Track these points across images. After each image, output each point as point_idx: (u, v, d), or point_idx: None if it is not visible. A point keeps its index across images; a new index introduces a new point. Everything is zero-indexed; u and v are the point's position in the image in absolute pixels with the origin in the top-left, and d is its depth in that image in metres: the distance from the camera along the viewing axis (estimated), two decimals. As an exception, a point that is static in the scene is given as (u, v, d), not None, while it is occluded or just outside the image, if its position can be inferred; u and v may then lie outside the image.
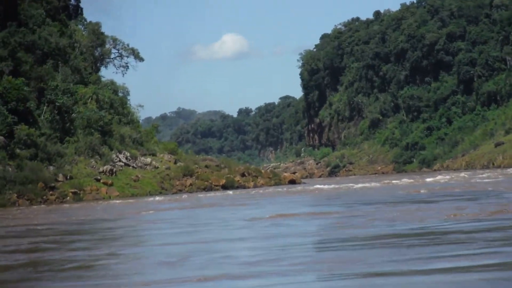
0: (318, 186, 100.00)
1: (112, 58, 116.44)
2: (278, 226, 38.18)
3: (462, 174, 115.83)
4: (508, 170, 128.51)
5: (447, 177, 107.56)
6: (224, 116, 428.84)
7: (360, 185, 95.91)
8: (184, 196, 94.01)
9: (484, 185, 70.75)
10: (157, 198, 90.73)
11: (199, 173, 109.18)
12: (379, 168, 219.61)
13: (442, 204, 47.16)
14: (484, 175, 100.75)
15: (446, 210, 39.36)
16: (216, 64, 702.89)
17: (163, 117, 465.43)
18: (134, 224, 49.31)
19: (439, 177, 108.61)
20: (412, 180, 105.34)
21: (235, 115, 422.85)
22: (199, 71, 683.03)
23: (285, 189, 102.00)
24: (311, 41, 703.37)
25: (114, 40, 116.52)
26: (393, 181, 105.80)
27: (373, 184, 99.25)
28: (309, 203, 65.00)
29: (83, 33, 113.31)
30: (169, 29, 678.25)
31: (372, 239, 28.00)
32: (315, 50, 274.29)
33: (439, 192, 63.97)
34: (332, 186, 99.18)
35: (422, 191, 68.38)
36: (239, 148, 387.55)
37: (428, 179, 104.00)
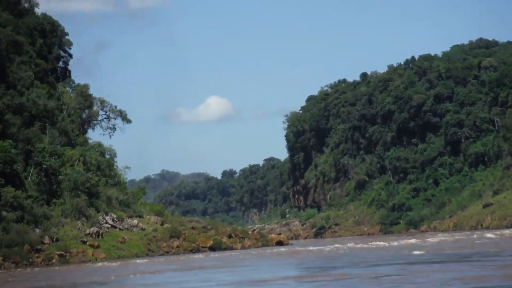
0: (326, 247, 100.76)
1: (100, 120, 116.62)
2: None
3: (456, 235, 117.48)
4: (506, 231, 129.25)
5: (450, 237, 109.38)
6: (208, 178, 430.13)
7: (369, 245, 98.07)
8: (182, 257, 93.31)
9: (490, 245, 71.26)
10: (147, 260, 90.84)
11: (186, 234, 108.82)
12: (365, 229, 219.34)
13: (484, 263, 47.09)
14: (476, 236, 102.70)
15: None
16: (200, 126, 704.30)
17: (147, 179, 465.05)
18: None
19: (440, 237, 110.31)
20: (418, 240, 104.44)
21: (219, 177, 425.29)
22: (183, 133, 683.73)
23: (282, 249, 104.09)
24: (295, 103, 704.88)
25: (102, 102, 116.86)
26: (402, 241, 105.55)
27: (381, 243, 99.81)
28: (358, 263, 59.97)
29: (71, 95, 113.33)
30: (153, 91, 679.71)
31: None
32: (300, 111, 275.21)
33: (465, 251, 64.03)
34: (334, 246, 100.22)
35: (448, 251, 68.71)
36: (223, 210, 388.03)
37: (432, 239, 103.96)
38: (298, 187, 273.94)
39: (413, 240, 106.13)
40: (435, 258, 58.15)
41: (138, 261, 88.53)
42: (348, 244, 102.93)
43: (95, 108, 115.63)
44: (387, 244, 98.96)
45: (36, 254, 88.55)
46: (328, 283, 40.11)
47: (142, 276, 56.31)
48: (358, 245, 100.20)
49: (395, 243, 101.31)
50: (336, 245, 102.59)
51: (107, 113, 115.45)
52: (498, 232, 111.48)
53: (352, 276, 43.23)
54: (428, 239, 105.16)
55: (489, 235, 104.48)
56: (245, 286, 43.06)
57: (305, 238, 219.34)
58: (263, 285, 42.67)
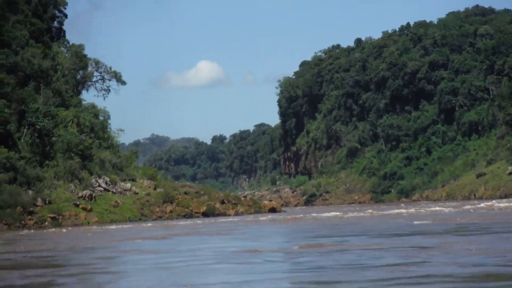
0: (322, 214, 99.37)
1: (94, 81, 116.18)
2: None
3: (462, 205, 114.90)
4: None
5: (445, 207, 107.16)
6: (197, 143, 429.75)
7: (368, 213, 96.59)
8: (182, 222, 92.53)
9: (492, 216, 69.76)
10: (149, 224, 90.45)
11: (179, 199, 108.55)
12: (356, 197, 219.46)
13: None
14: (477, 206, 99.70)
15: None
16: (191, 91, 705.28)
17: (137, 143, 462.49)
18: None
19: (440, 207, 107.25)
20: (413, 210, 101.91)
21: (209, 142, 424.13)
22: (173, 97, 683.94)
23: (280, 216, 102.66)
24: (288, 69, 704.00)
25: (97, 62, 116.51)
26: (403, 210, 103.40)
27: (381, 213, 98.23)
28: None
29: (66, 55, 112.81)
30: (145, 54, 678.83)
31: None
32: (294, 77, 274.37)
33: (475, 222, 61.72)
34: (333, 214, 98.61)
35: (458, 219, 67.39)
36: (213, 176, 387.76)
37: (434, 208, 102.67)
38: (289, 154, 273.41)
39: (412, 210, 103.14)
40: (446, 228, 55.98)
41: (132, 225, 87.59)
42: (350, 214, 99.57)
43: (89, 69, 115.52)
44: (385, 213, 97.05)
45: (29, 216, 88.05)
46: (364, 253, 35.70)
47: (142, 242, 55.08)
48: (360, 214, 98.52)
49: (393, 212, 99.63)
50: (335, 213, 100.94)
51: (101, 74, 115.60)
52: (491, 203, 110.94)
53: (382, 246, 39.48)
54: (426, 209, 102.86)
55: (496, 205, 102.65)
56: (277, 253, 39.37)
57: (296, 205, 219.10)
58: (296, 253, 38.81)
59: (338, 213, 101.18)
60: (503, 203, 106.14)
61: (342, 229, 62.63)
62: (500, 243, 38.39)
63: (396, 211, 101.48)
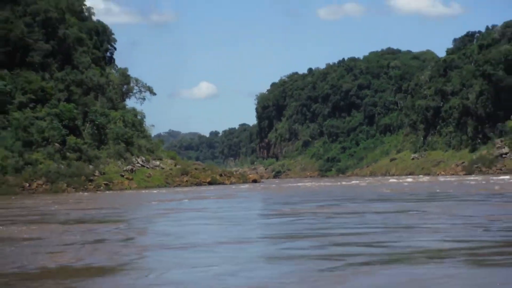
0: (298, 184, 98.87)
1: (134, 93, 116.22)
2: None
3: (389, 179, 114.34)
4: (409, 177, 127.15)
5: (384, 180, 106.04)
6: (200, 136, 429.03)
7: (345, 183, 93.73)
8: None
9: (441, 187, 64.45)
10: (177, 189, 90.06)
11: (192, 173, 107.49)
12: (308, 173, 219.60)
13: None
14: (410, 180, 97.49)
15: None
16: (195, 101, 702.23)
17: (159, 136, 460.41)
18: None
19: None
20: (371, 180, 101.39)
21: (207, 135, 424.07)
22: (184, 105, 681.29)
23: (273, 185, 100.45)
24: (262, 87, 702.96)
25: (136, 80, 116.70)
26: (354, 182, 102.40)
27: (340, 183, 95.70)
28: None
29: (115, 75, 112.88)
30: (163, 77, 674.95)
31: None
32: (266, 93, 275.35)
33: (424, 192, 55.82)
34: (309, 184, 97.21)
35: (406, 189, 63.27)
36: (210, 158, 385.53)
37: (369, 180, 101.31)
38: (263, 144, 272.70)
39: (358, 181, 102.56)
40: (413, 196, 49.61)
41: (162, 190, 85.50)
42: (322, 183, 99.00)
43: (131, 84, 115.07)
44: (350, 182, 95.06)
45: (89, 183, 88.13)
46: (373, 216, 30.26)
47: (179, 202, 51.00)
48: (328, 183, 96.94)
49: (356, 182, 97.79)
50: (309, 183, 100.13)
51: (139, 88, 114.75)
52: (410, 179, 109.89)
53: (377, 210, 33.93)
54: (366, 181, 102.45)
55: (424, 179, 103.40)
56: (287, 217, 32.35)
57: (267, 178, 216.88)
58: (307, 213, 33.94)
59: (310, 183, 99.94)
60: (410, 179, 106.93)
61: (328, 195, 55.40)
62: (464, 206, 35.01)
63: (353, 182, 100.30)
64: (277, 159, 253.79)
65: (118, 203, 51.20)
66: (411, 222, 25.88)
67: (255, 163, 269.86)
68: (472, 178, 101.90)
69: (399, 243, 18.88)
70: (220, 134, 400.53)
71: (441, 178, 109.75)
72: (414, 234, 21.45)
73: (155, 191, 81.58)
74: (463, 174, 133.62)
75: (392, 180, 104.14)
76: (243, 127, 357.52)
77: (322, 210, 34.86)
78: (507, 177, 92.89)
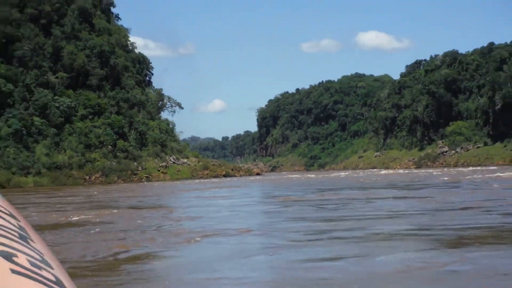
0: (291, 175, 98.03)
1: (167, 107, 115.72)
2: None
3: (361, 172, 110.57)
4: (373, 170, 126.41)
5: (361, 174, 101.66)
6: (214, 140, 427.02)
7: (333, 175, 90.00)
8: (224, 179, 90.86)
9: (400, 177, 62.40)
10: (202, 180, 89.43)
11: (211, 168, 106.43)
12: (296, 168, 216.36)
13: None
14: (382, 173, 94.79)
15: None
16: (210, 114, 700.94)
17: (184, 140, 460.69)
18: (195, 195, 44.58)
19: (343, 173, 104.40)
20: (346, 173, 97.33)
21: (220, 139, 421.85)
22: (201, 117, 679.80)
23: (272, 177, 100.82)
24: (261, 103, 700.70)
25: (169, 98, 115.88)
26: (335, 174, 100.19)
27: (332, 175, 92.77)
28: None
29: (153, 93, 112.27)
30: (185, 96, 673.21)
31: None
32: (265, 107, 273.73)
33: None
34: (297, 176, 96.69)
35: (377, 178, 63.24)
36: (222, 157, 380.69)
37: (342, 173, 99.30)
38: (262, 146, 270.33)
39: (335, 174, 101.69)
40: (384, 184, 48.10)
41: (189, 181, 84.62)
42: (308, 175, 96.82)
43: (165, 101, 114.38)
44: (330, 175, 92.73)
45: (134, 176, 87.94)
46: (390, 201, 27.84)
47: (209, 190, 48.61)
48: (313, 175, 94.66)
49: (335, 174, 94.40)
50: (300, 176, 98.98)
51: (171, 103, 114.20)
52: (381, 171, 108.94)
53: (395, 196, 31.06)
54: (342, 174, 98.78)
55: (382, 172, 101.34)
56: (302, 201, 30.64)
57: (266, 172, 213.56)
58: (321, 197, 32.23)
59: (300, 176, 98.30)
60: (376, 172, 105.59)
61: (321, 185, 51.67)
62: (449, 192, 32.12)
63: (333, 174, 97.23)
64: (273, 157, 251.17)
65: (162, 192, 50.40)
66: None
67: (256, 160, 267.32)
68: (423, 170, 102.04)
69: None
70: (230, 139, 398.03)
71: (400, 171, 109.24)
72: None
73: (187, 182, 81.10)
74: (414, 168, 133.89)
75: (362, 173, 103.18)
76: (247, 133, 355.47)
77: (325, 197, 32.22)
78: (462, 169, 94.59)
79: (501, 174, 54.66)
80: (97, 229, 18.49)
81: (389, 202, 26.67)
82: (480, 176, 54.46)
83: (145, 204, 31.96)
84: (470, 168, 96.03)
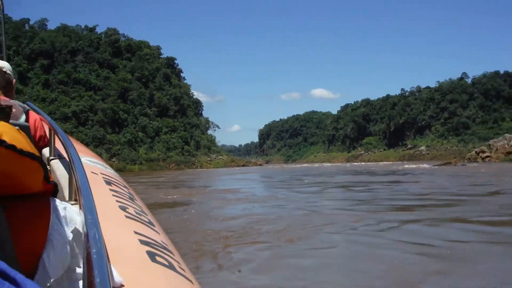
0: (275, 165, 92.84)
1: (211, 127, 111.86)
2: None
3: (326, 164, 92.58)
4: (322, 163, 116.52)
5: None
6: (235, 146, 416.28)
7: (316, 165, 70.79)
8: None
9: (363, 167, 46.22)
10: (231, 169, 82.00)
11: (235, 161, 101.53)
12: (280, 162, 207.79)
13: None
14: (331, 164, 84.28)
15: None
16: (232, 133, 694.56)
17: (219, 145, 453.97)
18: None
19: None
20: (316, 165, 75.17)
21: (237, 146, 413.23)
22: (227, 134, 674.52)
23: (269, 166, 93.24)
24: (261, 125, 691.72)
25: (212, 122, 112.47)
26: (304, 165, 79.67)
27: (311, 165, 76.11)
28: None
29: (203, 120, 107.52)
30: (219, 121, 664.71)
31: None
32: (263, 128, 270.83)
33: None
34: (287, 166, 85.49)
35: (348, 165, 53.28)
36: (238, 155, 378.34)
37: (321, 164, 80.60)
38: (260, 149, 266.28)
39: (305, 165, 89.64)
40: (360, 170, 34.72)
41: (224, 168, 78.35)
42: (290, 166, 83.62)
43: (209, 124, 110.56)
44: (301, 165, 78.18)
45: (193, 165, 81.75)
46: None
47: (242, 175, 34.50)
48: (298, 166, 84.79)
49: (305, 165, 75.30)
50: (285, 165, 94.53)
51: (213, 125, 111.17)
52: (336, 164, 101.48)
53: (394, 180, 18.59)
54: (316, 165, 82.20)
55: (329, 164, 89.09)
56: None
57: (263, 164, 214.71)
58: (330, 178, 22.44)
59: (285, 165, 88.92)
60: (325, 164, 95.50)
61: (308, 172, 34.97)
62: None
63: (304, 165, 78.57)
64: (267, 155, 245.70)
65: (214, 176, 36.84)
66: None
67: (257, 157, 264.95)
68: (355, 163, 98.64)
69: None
70: (243, 145, 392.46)
71: (338, 164, 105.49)
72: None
73: (223, 168, 74.00)
74: (345, 162, 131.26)
75: (317, 165, 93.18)
76: (252, 143, 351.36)
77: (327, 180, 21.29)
78: (371, 163, 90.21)
79: (406, 166, 40.67)
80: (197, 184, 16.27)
81: (407, 186, 15.28)
82: (382, 168, 40.74)
83: (208, 180, 28.87)
84: (379, 163, 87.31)
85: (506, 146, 51.48)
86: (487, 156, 50.05)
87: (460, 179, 18.38)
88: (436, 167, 36.58)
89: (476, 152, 53.37)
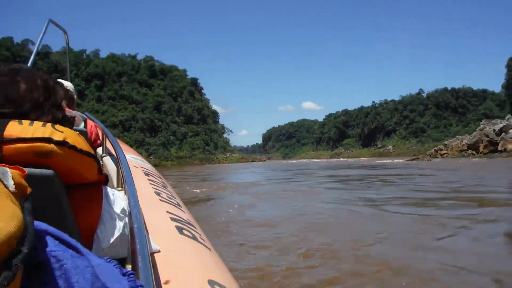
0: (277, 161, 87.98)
1: (226, 131, 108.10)
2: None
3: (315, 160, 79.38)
4: (312, 159, 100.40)
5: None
6: (243, 147, 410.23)
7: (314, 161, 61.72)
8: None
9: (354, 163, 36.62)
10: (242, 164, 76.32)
11: (245, 158, 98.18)
12: (279, 158, 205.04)
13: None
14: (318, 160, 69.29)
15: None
16: (243, 136, 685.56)
17: (233, 146, 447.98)
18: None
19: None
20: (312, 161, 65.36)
21: (246, 146, 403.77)
22: (238, 137, 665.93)
23: (270, 162, 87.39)
24: (263, 130, 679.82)
25: (227, 128, 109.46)
26: (299, 161, 70.14)
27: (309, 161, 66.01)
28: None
29: (219, 126, 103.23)
30: (232, 128, 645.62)
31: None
32: (265, 132, 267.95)
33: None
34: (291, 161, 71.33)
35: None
36: (247, 154, 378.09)
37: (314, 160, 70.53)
38: (264, 149, 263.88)
39: (301, 161, 70.06)
40: (355, 165, 27.94)
41: (238, 163, 72.45)
42: (289, 161, 78.36)
43: (225, 129, 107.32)
44: (298, 161, 69.97)
45: (212, 161, 76.90)
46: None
47: (252, 169, 28.74)
48: (294, 161, 70.59)
49: (302, 161, 65.86)
50: (285, 161, 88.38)
51: (227, 130, 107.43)
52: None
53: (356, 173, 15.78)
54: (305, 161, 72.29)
55: (317, 160, 75.25)
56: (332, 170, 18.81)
57: (267, 160, 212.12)
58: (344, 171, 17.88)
59: (285, 161, 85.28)
60: (315, 160, 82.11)
61: (308, 166, 29.32)
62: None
63: (300, 161, 68.63)
64: (268, 154, 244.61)
65: (231, 170, 29.87)
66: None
67: (261, 155, 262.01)
68: (338, 159, 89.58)
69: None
70: (250, 146, 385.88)
71: (324, 160, 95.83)
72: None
73: (237, 164, 68.46)
74: (330, 158, 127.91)
75: (307, 161, 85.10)
76: (257, 144, 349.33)
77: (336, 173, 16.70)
78: (350, 159, 79.43)
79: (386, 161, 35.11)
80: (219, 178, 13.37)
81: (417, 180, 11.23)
82: (365, 163, 32.20)
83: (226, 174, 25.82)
84: (355, 158, 75.79)
85: (459, 145, 50.18)
86: (445, 153, 48.64)
87: (458, 172, 14.65)
88: (409, 162, 34.52)
89: (435, 150, 52.42)
